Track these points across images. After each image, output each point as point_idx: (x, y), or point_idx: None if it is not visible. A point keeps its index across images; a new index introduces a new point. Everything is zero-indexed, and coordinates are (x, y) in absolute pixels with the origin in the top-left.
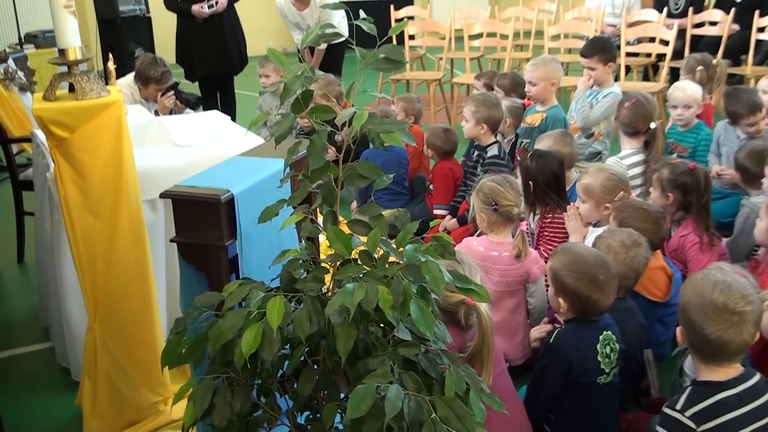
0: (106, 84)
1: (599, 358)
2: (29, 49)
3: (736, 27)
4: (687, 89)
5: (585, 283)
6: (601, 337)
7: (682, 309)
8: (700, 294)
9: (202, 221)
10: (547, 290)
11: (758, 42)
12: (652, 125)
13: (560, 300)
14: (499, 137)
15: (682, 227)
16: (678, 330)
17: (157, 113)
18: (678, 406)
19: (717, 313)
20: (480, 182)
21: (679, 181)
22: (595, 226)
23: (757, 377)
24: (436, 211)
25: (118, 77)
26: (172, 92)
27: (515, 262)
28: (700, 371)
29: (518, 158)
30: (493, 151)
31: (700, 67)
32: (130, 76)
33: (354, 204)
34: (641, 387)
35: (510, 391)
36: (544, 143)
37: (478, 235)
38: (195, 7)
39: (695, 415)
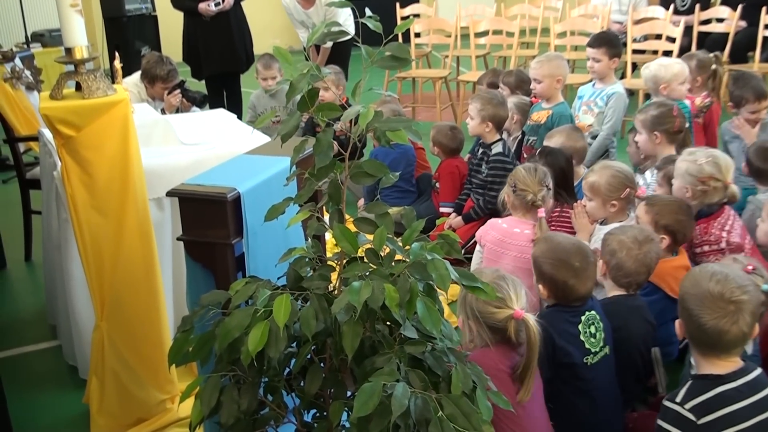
0: (113, 83)
1: (582, 338)
2: (36, 48)
3: (743, 24)
4: (669, 65)
5: (561, 269)
6: (583, 318)
7: (681, 300)
8: (697, 284)
9: (208, 219)
10: None
11: (765, 39)
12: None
13: (540, 287)
14: (504, 135)
15: None
16: (677, 323)
17: (163, 111)
18: (678, 399)
19: (713, 301)
20: (518, 165)
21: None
22: (602, 224)
23: (757, 372)
24: (442, 209)
25: (124, 76)
26: (179, 90)
27: (532, 244)
28: (700, 365)
29: (525, 156)
30: (497, 148)
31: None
32: (137, 74)
33: (361, 202)
34: (649, 385)
35: (543, 408)
36: (555, 140)
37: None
38: (202, 5)
39: (695, 408)
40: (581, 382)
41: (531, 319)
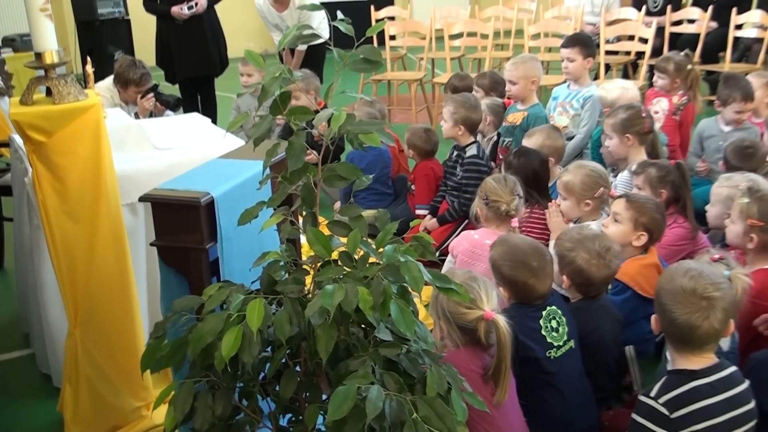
0: (85, 87)
1: (544, 333)
2: (7, 53)
3: (713, 24)
4: (623, 96)
5: (520, 270)
6: (544, 312)
7: (656, 294)
8: (672, 279)
9: (182, 224)
10: None
11: (736, 39)
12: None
13: (501, 289)
14: (479, 137)
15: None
16: (653, 318)
17: (137, 116)
18: (652, 394)
19: (685, 297)
20: (486, 178)
21: (669, 177)
22: (575, 223)
23: (731, 368)
24: (418, 211)
25: (97, 80)
26: (152, 94)
27: None
28: (675, 360)
29: (500, 157)
30: (471, 151)
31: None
32: (109, 79)
33: (338, 205)
34: (624, 383)
35: (516, 406)
36: (534, 138)
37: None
38: (175, 9)
39: (668, 402)
40: (547, 375)
41: (501, 320)
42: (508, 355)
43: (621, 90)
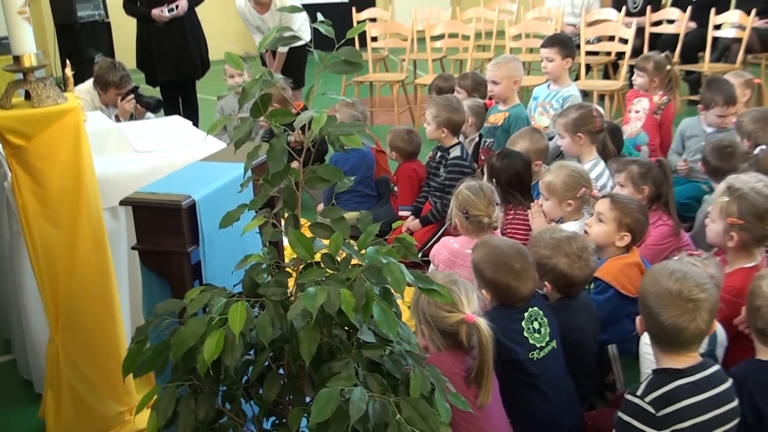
0: (64, 90)
1: (526, 335)
2: None
3: (692, 25)
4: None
5: (502, 272)
6: (526, 314)
7: (641, 297)
8: (657, 282)
9: (163, 228)
10: None
11: (714, 39)
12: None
13: (483, 292)
14: (461, 137)
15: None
16: (638, 319)
17: (117, 118)
18: (639, 392)
19: (672, 299)
20: (459, 187)
21: (650, 174)
22: (558, 222)
23: (715, 367)
24: (401, 213)
25: (78, 83)
26: (132, 96)
27: None
28: (660, 359)
29: (482, 158)
30: (455, 152)
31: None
32: (89, 82)
33: (321, 207)
34: (607, 382)
35: (500, 408)
36: (520, 146)
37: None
38: (155, 11)
39: (654, 401)
40: (530, 377)
41: (483, 323)
42: (491, 358)
43: None
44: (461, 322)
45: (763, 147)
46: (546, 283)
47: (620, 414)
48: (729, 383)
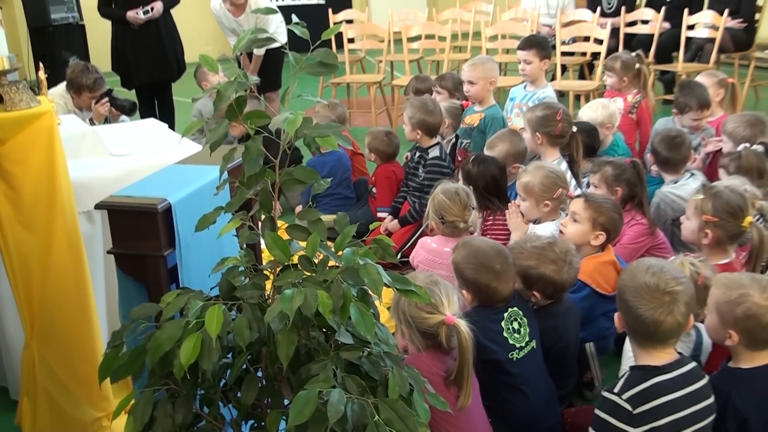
0: (37, 94)
1: (506, 335)
2: None
3: (666, 25)
4: (600, 109)
5: (483, 273)
6: (506, 314)
7: (619, 292)
8: (634, 277)
9: (139, 231)
10: None
11: (688, 39)
12: (574, 129)
13: (464, 292)
14: (438, 138)
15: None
16: (616, 316)
17: (92, 122)
18: (616, 389)
19: (649, 293)
20: (435, 190)
21: (625, 175)
22: (535, 223)
23: (692, 364)
24: (379, 214)
25: (51, 86)
26: (107, 99)
27: None
28: (637, 356)
29: (459, 159)
30: (434, 152)
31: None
32: (62, 85)
33: (299, 209)
34: (585, 380)
35: (480, 408)
36: (498, 149)
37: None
38: (130, 13)
39: (632, 398)
40: (510, 377)
41: (462, 324)
42: (470, 360)
43: (602, 108)
44: (441, 323)
45: (747, 145)
46: (534, 292)
47: (597, 411)
48: (705, 380)
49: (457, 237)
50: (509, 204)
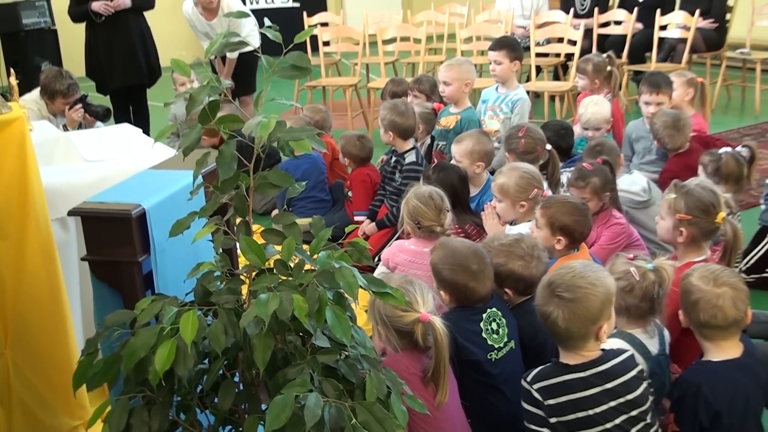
0: (9, 100)
1: (484, 335)
2: None
3: (639, 26)
4: (597, 110)
5: (460, 273)
6: (484, 315)
7: None
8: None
9: (113, 238)
10: None
11: (660, 40)
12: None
13: (442, 293)
14: (413, 142)
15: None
16: None
17: (65, 128)
18: (528, 378)
19: (542, 287)
20: (409, 193)
21: (591, 177)
22: (511, 224)
23: (615, 361)
24: (356, 218)
25: (25, 92)
26: (80, 105)
27: None
28: (561, 353)
29: (435, 161)
30: (411, 157)
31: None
32: (36, 91)
33: (275, 213)
34: None
35: (459, 408)
36: (464, 144)
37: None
38: (95, 4)
39: (541, 390)
40: (489, 377)
41: (437, 321)
42: (446, 356)
43: (594, 106)
44: (416, 321)
45: (728, 149)
46: (506, 289)
47: (522, 402)
48: (633, 372)
49: (434, 239)
50: (486, 206)
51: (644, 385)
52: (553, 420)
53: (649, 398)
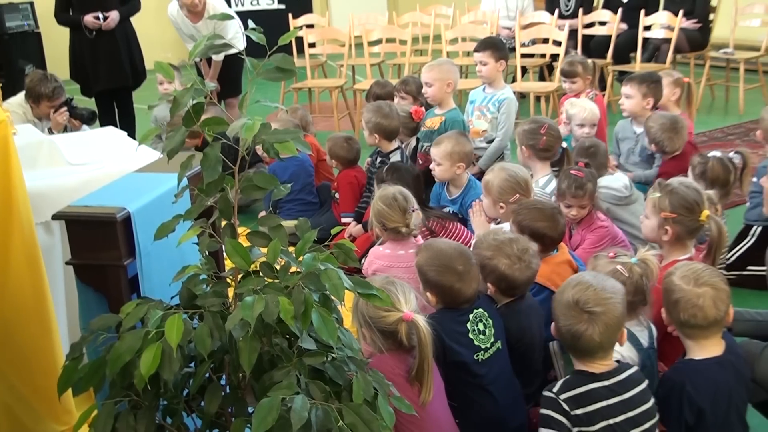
0: None
1: (471, 336)
2: None
3: (623, 26)
4: (591, 108)
5: (446, 274)
6: (470, 316)
7: (552, 302)
8: (564, 290)
9: (98, 241)
10: None
11: (645, 40)
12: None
13: (428, 294)
14: (398, 143)
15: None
16: (552, 324)
17: (51, 131)
18: (555, 389)
19: (568, 308)
20: (374, 196)
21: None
22: (497, 223)
23: (631, 371)
24: (343, 219)
25: (9, 95)
26: (66, 108)
27: None
28: (575, 362)
29: (420, 162)
30: (395, 157)
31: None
32: (21, 94)
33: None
34: (548, 378)
35: (446, 409)
36: (443, 146)
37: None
38: (87, 18)
39: (568, 400)
40: (476, 378)
41: (420, 320)
42: (430, 355)
43: (580, 108)
44: (400, 320)
45: (716, 153)
46: (489, 284)
47: (542, 410)
48: (644, 385)
49: (403, 240)
50: (474, 203)
51: (653, 399)
52: (576, 430)
53: (656, 414)
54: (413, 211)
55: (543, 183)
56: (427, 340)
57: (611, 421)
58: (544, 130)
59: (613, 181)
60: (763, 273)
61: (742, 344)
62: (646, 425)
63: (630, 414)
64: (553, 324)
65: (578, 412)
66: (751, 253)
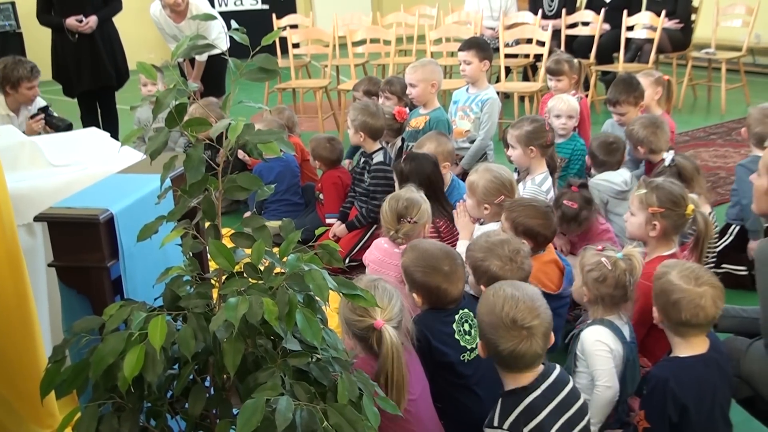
0: None
1: (457, 337)
2: None
3: (606, 27)
4: (569, 100)
5: (432, 275)
6: (457, 316)
7: (478, 322)
8: (491, 311)
9: (80, 243)
10: None
11: (628, 40)
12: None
13: (414, 295)
14: (382, 143)
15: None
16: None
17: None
18: (495, 423)
19: (506, 329)
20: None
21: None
22: (481, 224)
23: (557, 371)
24: (328, 220)
25: None
26: (42, 116)
27: None
28: (506, 381)
29: None
30: (378, 157)
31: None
32: None
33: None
34: None
35: (431, 409)
36: (426, 148)
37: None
38: (70, 20)
39: (512, 425)
40: (461, 378)
41: (389, 332)
42: (390, 370)
43: (557, 99)
44: (371, 327)
45: (672, 153)
46: (482, 287)
47: None
48: (571, 384)
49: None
50: (458, 203)
51: (583, 397)
52: None
53: (588, 411)
54: (410, 221)
55: (540, 180)
56: (389, 354)
57: (554, 429)
58: (547, 127)
59: (614, 176)
60: (739, 272)
61: (727, 341)
62: (581, 424)
63: (567, 415)
64: (480, 344)
65: (527, 430)
66: (728, 252)
